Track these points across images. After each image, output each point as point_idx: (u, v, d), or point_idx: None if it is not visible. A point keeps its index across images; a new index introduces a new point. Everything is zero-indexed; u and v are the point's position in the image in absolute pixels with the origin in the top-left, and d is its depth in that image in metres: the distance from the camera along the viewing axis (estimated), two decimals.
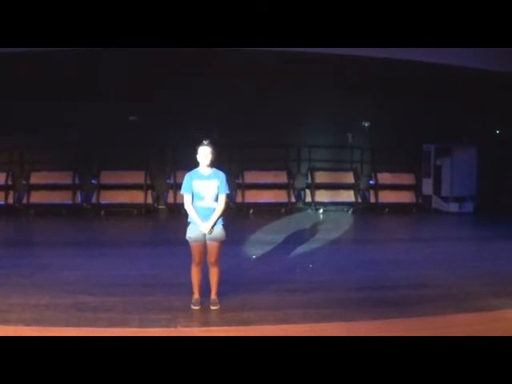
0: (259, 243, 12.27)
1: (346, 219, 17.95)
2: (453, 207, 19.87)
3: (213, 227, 7.27)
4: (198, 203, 7.32)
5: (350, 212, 19.60)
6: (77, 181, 19.05)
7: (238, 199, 19.35)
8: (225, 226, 7.42)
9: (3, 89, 16.88)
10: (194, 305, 7.42)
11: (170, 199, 19.06)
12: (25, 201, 18.82)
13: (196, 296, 7.48)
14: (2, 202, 18.60)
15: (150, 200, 19.32)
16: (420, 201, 20.51)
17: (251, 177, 19.53)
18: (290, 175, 20.02)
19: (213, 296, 7.50)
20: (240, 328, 6.67)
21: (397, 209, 20.05)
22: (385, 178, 20.21)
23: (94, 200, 19.05)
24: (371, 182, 20.42)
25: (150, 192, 19.36)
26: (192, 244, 7.35)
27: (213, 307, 7.40)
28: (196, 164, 7.41)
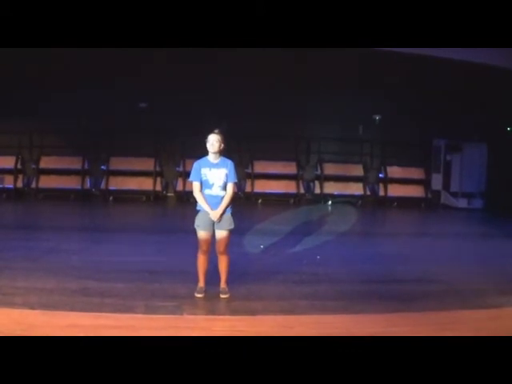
0: (267, 233, 12.25)
1: (355, 212, 17.92)
2: (461, 203, 19.88)
3: (221, 216, 7.29)
4: (207, 191, 7.31)
5: (358, 205, 19.60)
6: (86, 166, 19.17)
7: (247, 189, 19.39)
8: (233, 215, 7.42)
9: (16, 74, 16.95)
10: (198, 293, 7.41)
11: (179, 187, 19.14)
12: (33, 185, 18.90)
13: (201, 284, 7.47)
14: (11, 186, 18.67)
15: (158, 187, 19.41)
16: (429, 196, 20.52)
17: (260, 167, 19.60)
18: (300, 166, 20.04)
19: (222, 285, 7.50)
20: (246, 317, 6.66)
21: (405, 203, 20.07)
22: (394, 171, 20.24)
23: (102, 186, 19.16)
24: (380, 175, 20.42)
25: (158, 179, 19.44)
26: (200, 232, 7.34)
27: (223, 296, 7.39)
28: (205, 152, 7.41)
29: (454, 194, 20.23)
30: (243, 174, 18.93)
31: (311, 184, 20.40)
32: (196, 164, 7.40)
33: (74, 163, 19.02)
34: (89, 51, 11.78)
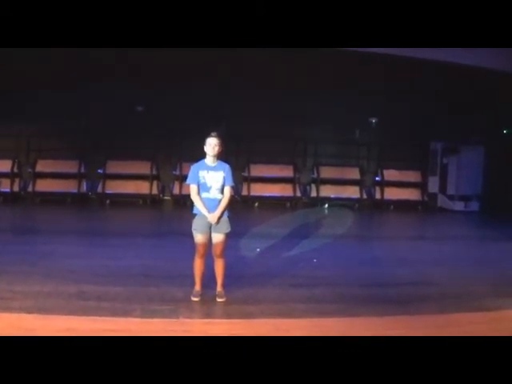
0: (264, 236, 12.23)
1: (351, 215, 17.90)
2: (458, 206, 19.87)
3: (219, 219, 7.28)
4: (204, 194, 7.31)
5: (355, 208, 19.59)
6: (82, 170, 19.12)
7: (244, 192, 19.37)
8: (230, 218, 7.41)
9: (13, 76, 16.92)
10: (194, 296, 7.41)
11: (176, 190, 19.11)
12: (30, 189, 18.86)
13: (197, 288, 7.47)
14: (8, 190, 18.62)
15: (155, 191, 19.38)
16: (426, 199, 20.51)
17: (257, 170, 19.57)
18: (296, 169, 20.03)
19: (219, 288, 7.50)
20: (242, 321, 6.65)
21: (402, 206, 20.06)
22: (391, 174, 20.22)
23: (99, 189, 19.13)
24: (377, 178, 20.40)
25: (155, 183, 19.42)
26: (197, 236, 7.33)
27: (219, 299, 7.39)
28: (202, 156, 7.40)
29: (451, 197, 20.24)
30: (240, 178, 18.91)
31: (308, 187, 20.39)
32: (194, 167, 7.40)
33: (71, 167, 18.98)
34: (89, 51, 11.77)
